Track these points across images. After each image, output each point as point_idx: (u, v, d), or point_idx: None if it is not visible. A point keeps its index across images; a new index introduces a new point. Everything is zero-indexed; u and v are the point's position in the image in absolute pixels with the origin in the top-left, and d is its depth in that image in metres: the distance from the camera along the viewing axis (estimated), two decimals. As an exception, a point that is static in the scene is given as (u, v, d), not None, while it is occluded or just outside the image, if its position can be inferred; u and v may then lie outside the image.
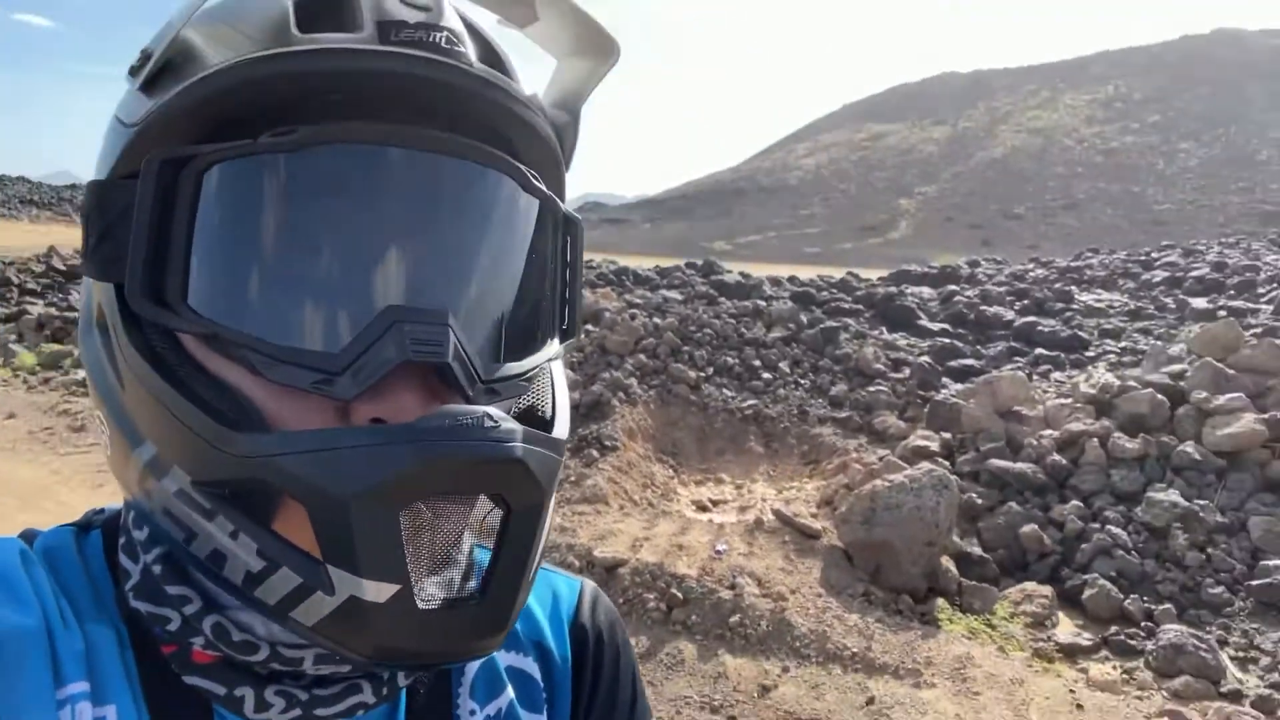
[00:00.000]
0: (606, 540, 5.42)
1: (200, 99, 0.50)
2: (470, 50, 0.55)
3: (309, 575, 0.48)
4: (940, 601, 5.17)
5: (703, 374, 9.25)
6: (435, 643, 0.49)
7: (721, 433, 8.52)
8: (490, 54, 0.58)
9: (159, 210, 0.50)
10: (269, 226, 0.50)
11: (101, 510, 0.65)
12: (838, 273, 15.55)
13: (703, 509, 7.16)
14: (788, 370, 9.58)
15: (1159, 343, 9.56)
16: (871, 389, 9.10)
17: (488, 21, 0.61)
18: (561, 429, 0.59)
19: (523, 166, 0.57)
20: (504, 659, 0.70)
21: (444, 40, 0.53)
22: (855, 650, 4.52)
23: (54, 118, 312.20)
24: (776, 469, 8.15)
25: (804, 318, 10.89)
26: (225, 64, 0.50)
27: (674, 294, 12.27)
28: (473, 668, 0.68)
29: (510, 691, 0.69)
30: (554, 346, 0.62)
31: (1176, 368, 7.35)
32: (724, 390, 9.03)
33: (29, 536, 0.60)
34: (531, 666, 0.71)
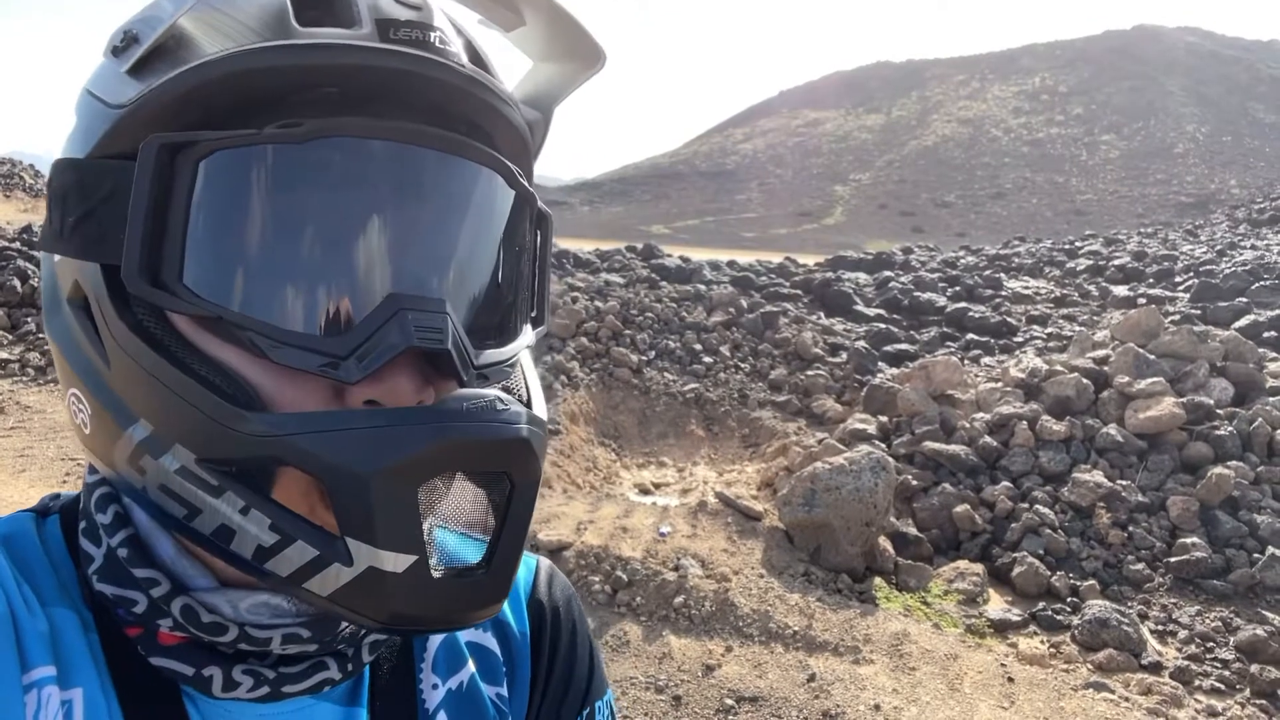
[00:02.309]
0: (551, 524, 5.42)
1: (198, 85, 0.50)
2: (460, 50, 0.57)
3: (326, 548, 0.49)
4: (878, 580, 5.30)
5: (644, 358, 9.29)
6: (445, 609, 0.52)
7: (663, 416, 8.58)
8: (475, 53, 0.60)
9: (157, 191, 0.50)
10: (273, 214, 0.51)
11: (58, 496, 0.65)
12: (775, 257, 15.71)
13: (645, 492, 7.21)
14: (728, 354, 9.68)
15: (1083, 329, 9.90)
16: (810, 373, 9.25)
17: (469, 21, 0.63)
18: (542, 410, 0.62)
19: (510, 163, 0.59)
20: (465, 635, 0.72)
21: (437, 39, 0.55)
22: (796, 629, 4.62)
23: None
24: (718, 452, 8.24)
25: (744, 302, 11.01)
26: (228, 52, 0.50)
27: (615, 278, 12.27)
28: (434, 643, 0.70)
29: (471, 666, 0.71)
30: (529, 333, 0.65)
31: (1100, 353, 7.62)
32: (665, 374, 9.09)
33: None
34: (491, 641, 0.74)
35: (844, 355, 9.76)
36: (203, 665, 0.55)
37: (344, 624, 0.59)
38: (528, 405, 0.62)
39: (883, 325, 11.07)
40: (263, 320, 0.50)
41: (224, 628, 0.55)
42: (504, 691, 0.73)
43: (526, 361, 0.67)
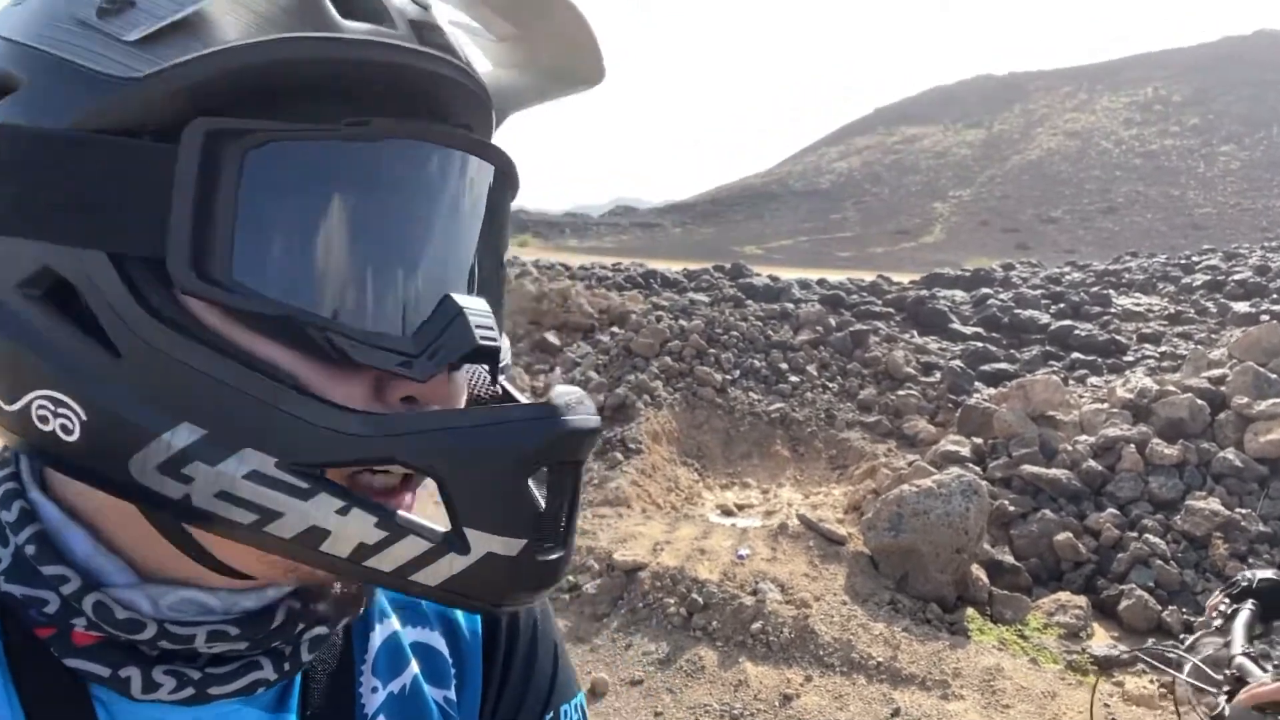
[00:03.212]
0: (627, 543, 5.34)
1: (236, 68, 0.47)
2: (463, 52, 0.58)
3: (439, 540, 0.50)
4: (970, 611, 5.03)
5: (729, 377, 9.16)
6: (539, 586, 0.53)
7: (747, 436, 8.42)
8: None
9: (204, 182, 0.47)
10: (340, 212, 0.50)
11: None
12: (869, 276, 15.37)
13: (728, 513, 7.07)
14: (815, 373, 9.46)
15: (1199, 347, 9.30)
16: (901, 393, 8.96)
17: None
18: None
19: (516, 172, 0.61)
20: (409, 634, 0.70)
21: (454, 44, 0.56)
22: (880, 660, 4.40)
23: None
24: (803, 473, 8.03)
25: (832, 320, 10.76)
26: (272, 37, 0.47)
27: (701, 297, 12.19)
28: (375, 643, 0.68)
29: (415, 667, 0.69)
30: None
31: (1217, 372, 7.14)
32: (750, 393, 8.94)
33: None
34: (438, 641, 0.72)
35: (938, 374, 9.42)
36: (119, 666, 0.53)
37: (277, 620, 0.57)
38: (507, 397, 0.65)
39: (980, 344, 10.65)
40: (336, 318, 0.50)
41: (141, 624, 0.52)
42: (451, 695, 0.70)
43: None
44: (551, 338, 9.95)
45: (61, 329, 0.49)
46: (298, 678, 0.62)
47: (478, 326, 0.52)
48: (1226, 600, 1.98)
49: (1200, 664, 1.81)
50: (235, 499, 0.49)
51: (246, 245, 0.48)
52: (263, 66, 0.47)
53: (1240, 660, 1.73)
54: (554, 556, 0.53)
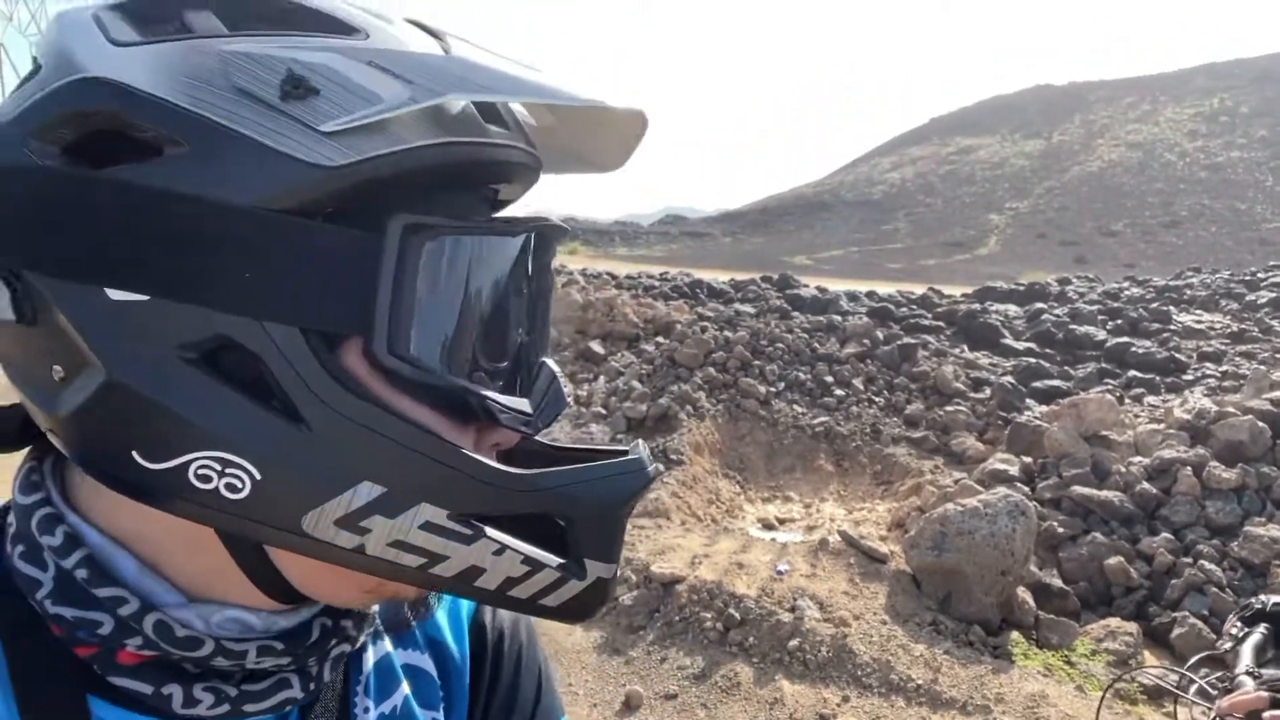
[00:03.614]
0: (665, 555, 5.32)
1: (414, 168, 0.52)
2: None
3: (566, 570, 0.57)
4: (1015, 634, 4.91)
5: (773, 389, 9.09)
6: (607, 600, 0.62)
7: (791, 450, 8.35)
8: None
9: (402, 269, 0.53)
10: (485, 296, 0.58)
11: None
12: (920, 289, 15.15)
13: (769, 527, 7.01)
14: (861, 387, 9.35)
15: (1262, 367, 8.99)
16: (949, 409, 8.81)
17: None
18: None
19: None
20: (400, 656, 0.72)
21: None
22: (921, 682, 4.32)
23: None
24: (847, 488, 7.94)
25: (880, 334, 10.63)
26: (447, 140, 0.54)
27: (747, 308, 12.13)
28: (368, 665, 0.70)
29: (405, 688, 0.71)
30: None
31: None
32: (795, 406, 8.86)
33: None
34: (427, 663, 0.74)
35: (988, 391, 9.24)
36: (162, 683, 0.55)
37: (313, 635, 0.61)
38: None
39: (1032, 360, 10.42)
40: (491, 389, 0.58)
41: (199, 641, 0.55)
42: (439, 716, 0.73)
43: None
44: (596, 347, 9.98)
45: (228, 393, 0.50)
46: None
47: (560, 392, 0.65)
48: (1239, 624, 1.94)
49: (1205, 684, 1.78)
50: (408, 546, 0.54)
51: (421, 326, 0.54)
52: (433, 166, 0.53)
53: (1241, 677, 1.70)
54: (613, 578, 0.62)
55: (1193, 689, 1.81)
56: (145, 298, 0.49)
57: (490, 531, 0.55)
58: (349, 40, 0.53)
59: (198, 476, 0.51)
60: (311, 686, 0.61)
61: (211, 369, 0.50)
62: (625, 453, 0.61)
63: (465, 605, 0.80)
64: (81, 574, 0.55)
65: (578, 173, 0.72)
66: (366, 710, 0.68)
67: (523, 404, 0.60)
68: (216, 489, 0.51)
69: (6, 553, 0.58)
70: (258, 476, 0.51)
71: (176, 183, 0.48)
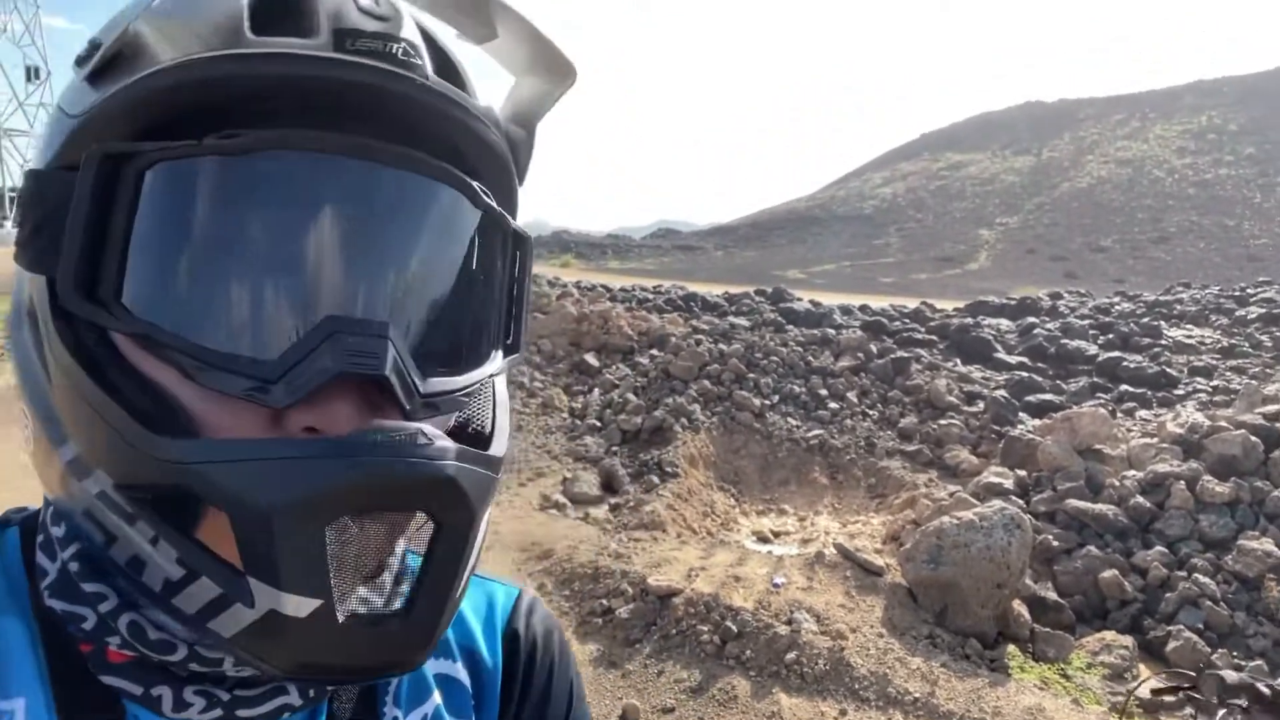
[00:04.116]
0: (661, 568, 5.31)
1: (146, 95, 0.49)
2: (427, 62, 0.54)
3: (228, 586, 0.47)
4: (1011, 648, 4.92)
5: (768, 402, 9.11)
6: (356, 658, 0.49)
7: (785, 462, 8.35)
8: (447, 66, 0.58)
9: (97, 205, 0.49)
10: (208, 229, 0.49)
11: (23, 509, 0.64)
12: (912, 303, 15.22)
13: (764, 540, 7.00)
14: (855, 400, 9.37)
15: (1253, 382, 9.05)
16: (943, 422, 8.83)
17: (447, 34, 0.60)
18: (499, 445, 0.59)
19: (471, 181, 0.56)
20: (432, 666, 0.70)
21: (400, 51, 0.52)
22: (918, 695, 4.31)
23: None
24: (842, 501, 7.94)
25: (874, 347, 10.66)
26: (173, 61, 0.49)
27: (741, 321, 12.16)
28: None
29: (437, 697, 0.69)
30: (496, 361, 0.61)
31: (1272, 408, 6.94)
32: (789, 419, 8.87)
33: None
34: (460, 673, 0.71)
35: (981, 404, 9.27)
36: (152, 685, 0.54)
37: None
38: (489, 438, 0.60)
39: (1025, 374, 10.47)
40: (190, 341, 0.48)
41: (173, 645, 0.53)
42: None
43: (500, 391, 0.64)
44: (591, 359, 9.98)
45: (34, 349, 0.53)
46: (324, 704, 0.62)
47: (353, 352, 0.48)
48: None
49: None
50: (92, 518, 0.50)
51: (132, 267, 0.49)
52: (169, 90, 0.48)
53: None
54: (378, 629, 0.49)
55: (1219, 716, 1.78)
56: (20, 267, 0.54)
57: (149, 514, 0.48)
58: None
59: (22, 426, 0.56)
60: (311, 694, 0.58)
61: (34, 325, 0.53)
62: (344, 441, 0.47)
63: (500, 612, 0.77)
64: (74, 567, 0.55)
65: (555, 92, 0.64)
66: (395, 719, 0.66)
67: (251, 362, 0.48)
68: (25, 438, 0.56)
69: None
70: (31, 427, 0.55)
71: (34, 161, 0.55)
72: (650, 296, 15.06)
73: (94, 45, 0.52)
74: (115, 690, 0.55)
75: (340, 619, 0.47)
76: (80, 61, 0.53)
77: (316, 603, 0.46)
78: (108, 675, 0.55)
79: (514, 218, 0.62)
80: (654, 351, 10.17)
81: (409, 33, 0.54)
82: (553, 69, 0.62)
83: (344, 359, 0.48)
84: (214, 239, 0.49)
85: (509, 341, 0.63)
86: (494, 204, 0.58)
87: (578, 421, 8.64)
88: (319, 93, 0.50)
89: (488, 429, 0.62)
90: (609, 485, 7.33)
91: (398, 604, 0.54)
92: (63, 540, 0.56)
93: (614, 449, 8.00)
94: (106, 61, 0.50)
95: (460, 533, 0.51)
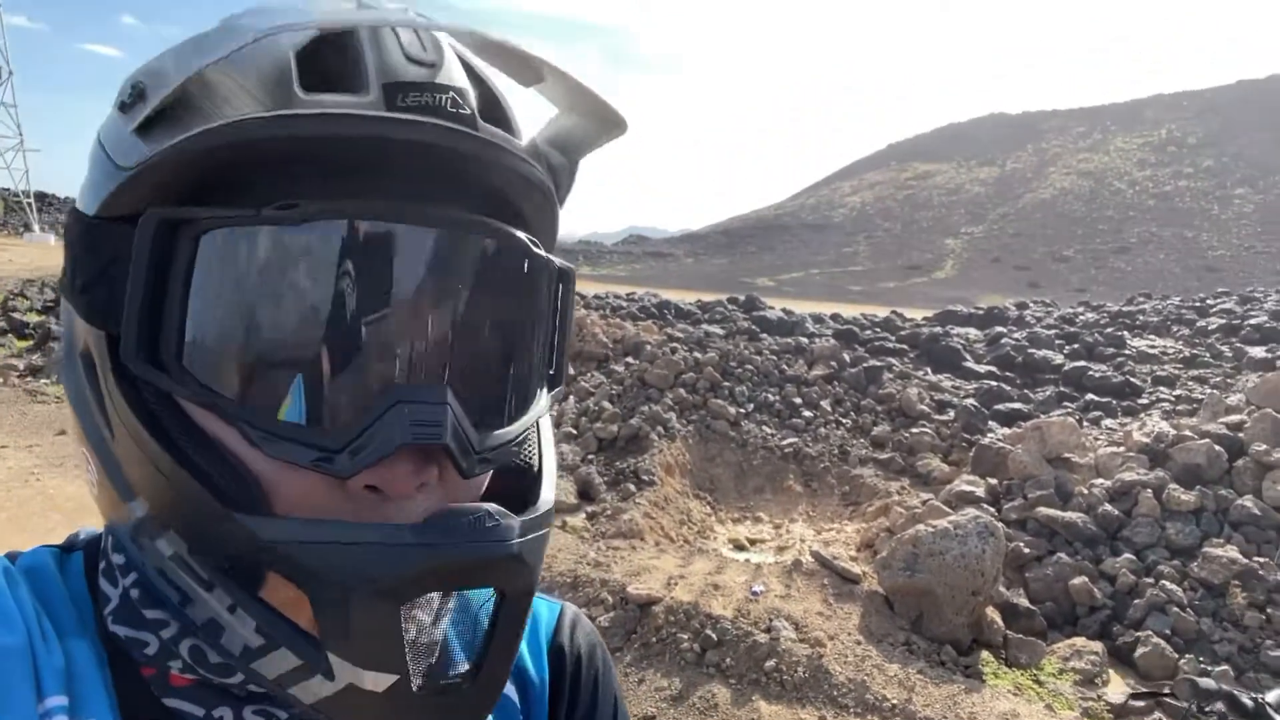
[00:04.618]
0: (641, 577, 5.32)
1: (197, 154, 0.49)
2: (474, 106, 0.54)
3: (310, 658, 0.49)
4: (985, 654, 4.99)
5: (743, 410, 9.15)
6: None
7: (760, 470, 8.40)
8: (492, 104, 0.57)
9: (156, 268, 0.49)
10: (269, 298, 0.50)
11: (78, 532, 0.65)
12: (881, 311, 15.38)
13: (740, 548, 7.04)
14: (829, 409, 9.45)
15: (1215, 391, 9.26)
16: (915, 430, 8.93)
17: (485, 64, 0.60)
18: (549, 490, 0.60)
19: (521, 235, 0.57)
20: None
21: (449, 103, 0.52)
22: (895, 702, 4.37)
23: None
24: (816, 509, 8.00)
25: (846, 356, 10.76)
26: (225, 121, 0.48)
27: (715, 329, 12.21)
28: None
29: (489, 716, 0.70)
30: (543, 400, 0.62)
31: (1235, 418, 7.10)
32: (764, 427, 8.93)
33: (11, 556, 0.60)
34: (510, 690, 0.72)
35: (951, 413, 9.39)
36: (214, 706, 0.56)
37: None
38: (536, 475, 0.62)
39: (994, 383, 10.63)
40: (254, 410, 0.49)
41: (232, 669, 0.54)
42: None
43: (544, 428, 0.65)
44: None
45: (92, 396, 0.54)
46: None
47: (416, 422, 0.49)
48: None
49: None
50: (165, 577, 0.52)
51: (192, 332, 0.50)
52: (220, 151, 0.49)
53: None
54: (447, 699, 0.52)
55: None
56: (70, 307, 0.55)
57: (226, 582, 0.49)
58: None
59: (86, 467, 0.57)
60: None
61: (90, 371, 0.54)
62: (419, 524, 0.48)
63: (544, 627, 0.78)
64: (135, 594, 0.56)
65: (603, 139, 0.63)
66: None
67: (312, 431, 0.49)
68: (89, 481, 0.57)
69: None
70: (95, 474, 0.55)
71: (79, 200, 0.56)
72: (624, 304, 15.09)
73: (138, 91, 0.52)
74: (178, 712, 0.56)
75: (415, 691, 0.50)
76: (124, 108, 0.52)
77: (393, 678, 0.48)
78: (171, 698, 0.56)
79: (554, 244, 0.63)
80: (629, 359, 10.19)
81: (456, 77, 0.54)
82: (603, 119, 0.62)
83: (407, 430, 0.49)
84: (273, 308, 0.49)
85: (552, 373, 0.64)
86: (542, 251, 0.59)
87: (554, 430, 8.63)
88: (371, 151, 0.51)
89: (534, 463, 0.63)
90: (585, 493, 7.33)
91: (463, 669, 0.56)
92: (123, 568, 0.57)
93: (590, 457, 8.00)
94: (156, 114, 0.50)
95: (522, 601, 0.54)
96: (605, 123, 0.62)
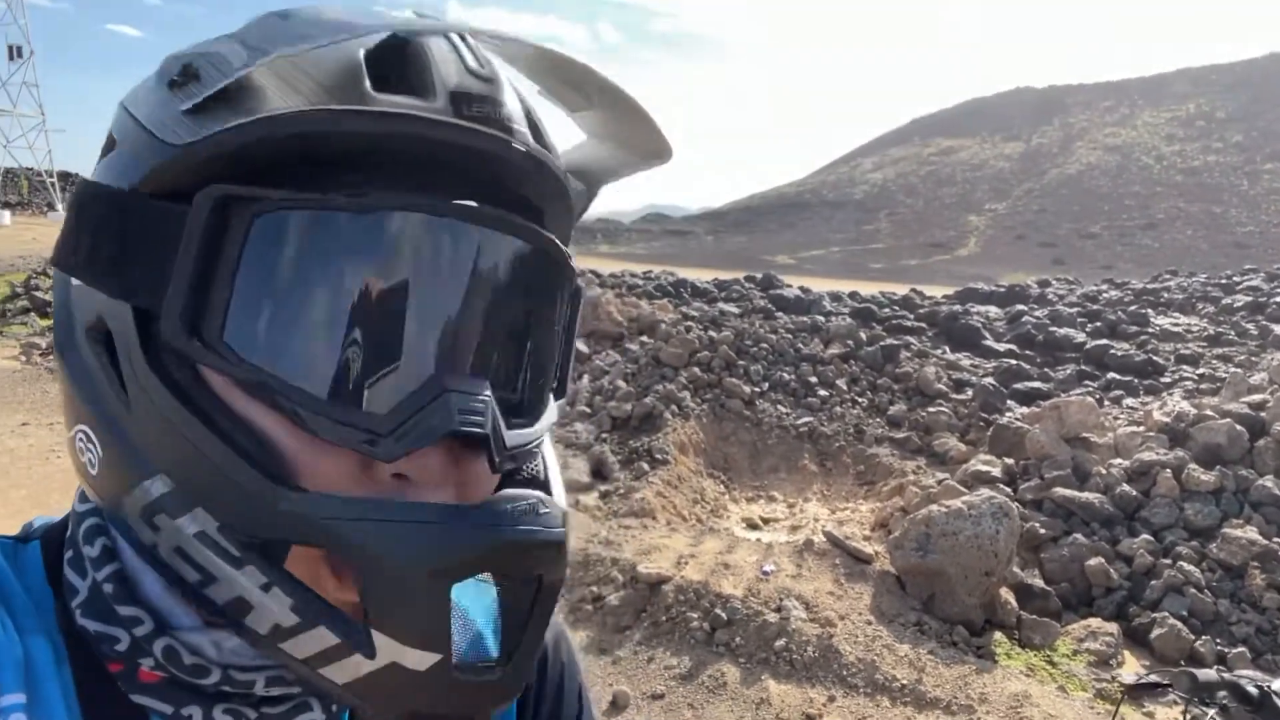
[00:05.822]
0: (651, 555, 5.33)
1: (264, 137, 0.49)
2: (525, 126, 0.56)
3: (350, 637, 0.49)
4: (998, 635, 4.96)
5: (757, 389, 9.12)
6: (461, 707, 0.52)
7: (775, 450, 8.38)
8: (536, 127, 0.59)
9: (209, 245, 0.49)
10: (327, 281, 0.50)
11: (33, 521, 0.64)
12: (902, 289, 15.24)
13: (753, 527, 7.03)
14: (845, 388, 9.39)
15: (1239, 370, 9.12)
16: (932, 409, 8.87)
17: (528, 88, 0.61)
18: (561, 496, 0.60)
19: (559, 243, 0.59)
20: None
21: (506, 117, 0.55)
22: (905, 682, 4.35)
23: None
24: (831, 489, 7.97)
25: (863, 335, 10.68)
26: (300, 109, 0.49)
27: (731, 308, 12.15)
28: None
29: None
30: (553, 408, 0.63)
31: (1257, 397, 6.99)
32: (779, 406, 8.89)
33: None
34: None
35: (969, 392, 9.31)
36: (182, 704, 0.55)
37: None
38: (546, 489, 0.61)
39: (1013, 361, 10.52)
40: (305, 390, 0.49)
41: (207, 670, 0.54)
42: None
43: (548, 441, 0.66)
44: (581, 345, 9.97)
45: (103, 372, 0.52)
46: (345, 714, 0.63)
47: (462, 411, 0.50)
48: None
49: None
50: (186, 556, 0.51)
51: (239, 309, 0.49)
52: (289, 138, 0.49)
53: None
54: (483, 679, 0.52)
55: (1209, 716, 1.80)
56: (78, 282, 0.54)
57: (258, 559, 0.49)
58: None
59: (78, 449, 0.56)
60: (334, 709, 0.60)
61: (102, 347, 0.53)
62: (470, 507, 0.50)
63: None
64: (109, 588, 0.55)
65: (641, 167, 0.65)
66: None
67: (363, 415, 0.49)
68: (85, 462, 0.55)
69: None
70: (98, 453, 0.54)
71: (102, 175, 0.54)
72: (640, 282, 15.03)
73: (190, 71, 0.51)
74: (145, 709, 0.55)
75: (455, 673, 0.50)
76: (174, 85, 0.52)
77: (437, 657, 0.49)
78: (138, 695, 0.55)
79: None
80: (644, 338, 10.16)
81: (509, 96, 0.56)
82: (648, 148, 0.63)
83: (454, 418, 0.50)
84: (329, 291, 0.50)
85: (555, 386, 0.64)
86: (570, 262, 0.61)
87: (567, 408, 8.64)
88: (438, 154, 0.52)
89: (544, 476, 0.63)
90: (599, 472, 7.34)
91: (495, 652, 0.56)
92: (96, 560, 0.56)
93: (603, 436, 8.00)
94: (215, 95, 0.50)
95: (556, 589, 0.54)
96: (648, 154, 0.64)
